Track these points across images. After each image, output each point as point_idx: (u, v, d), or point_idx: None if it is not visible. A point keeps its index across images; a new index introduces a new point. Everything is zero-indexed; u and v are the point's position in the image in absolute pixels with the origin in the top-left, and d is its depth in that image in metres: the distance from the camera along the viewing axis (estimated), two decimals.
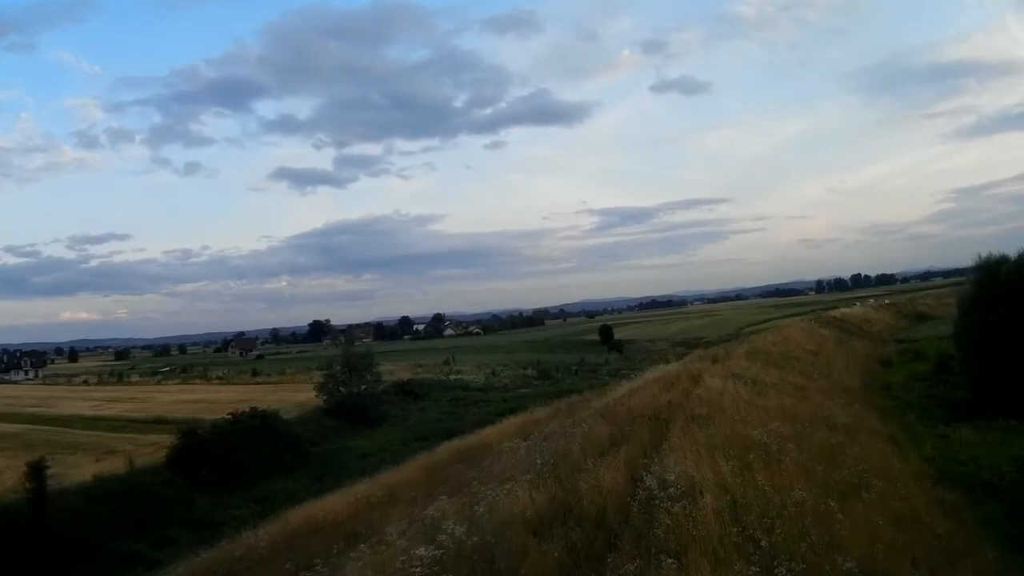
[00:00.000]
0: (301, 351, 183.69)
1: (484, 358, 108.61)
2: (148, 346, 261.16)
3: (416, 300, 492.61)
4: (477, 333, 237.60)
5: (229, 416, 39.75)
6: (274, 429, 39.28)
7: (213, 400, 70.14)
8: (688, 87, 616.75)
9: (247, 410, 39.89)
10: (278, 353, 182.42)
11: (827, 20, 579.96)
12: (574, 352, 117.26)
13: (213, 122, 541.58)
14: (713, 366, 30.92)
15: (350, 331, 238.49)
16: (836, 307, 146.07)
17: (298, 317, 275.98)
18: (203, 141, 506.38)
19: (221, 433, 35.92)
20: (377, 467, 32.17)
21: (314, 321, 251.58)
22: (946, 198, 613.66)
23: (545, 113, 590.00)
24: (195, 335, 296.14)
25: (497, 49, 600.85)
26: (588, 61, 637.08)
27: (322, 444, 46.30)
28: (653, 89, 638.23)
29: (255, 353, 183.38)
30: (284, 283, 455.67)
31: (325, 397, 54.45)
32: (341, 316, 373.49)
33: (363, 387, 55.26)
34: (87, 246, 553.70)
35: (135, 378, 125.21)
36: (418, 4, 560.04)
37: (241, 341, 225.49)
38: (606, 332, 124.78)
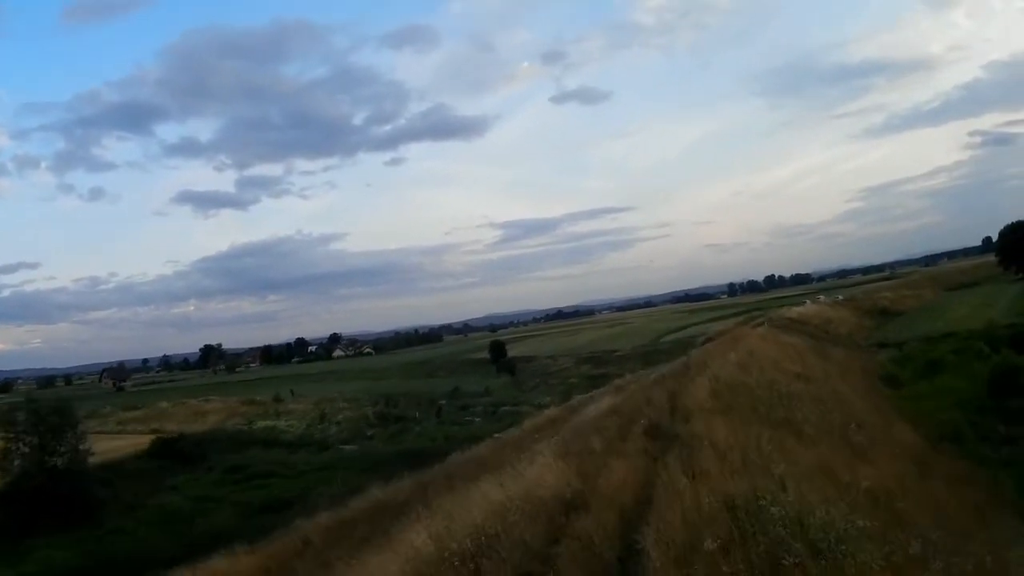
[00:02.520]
0: (173, 379, 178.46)
1: (344, 387, 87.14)
2: (49, 376, 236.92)
3: (322, 320, 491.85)
4: (368, 353, 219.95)
5: None
6: None
7: None
8: (588, 96, 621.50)
9: None
10: (151, 383, 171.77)
11: (728, 24, 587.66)
12: (458, 374, 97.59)
13: (115, 146, 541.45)
14: (665, 470, 10.36)
15: (232, 356, 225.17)
16: (761, 309, 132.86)
17: (207, 341, 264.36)
18: (106, 166, 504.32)
19: None
20: None
21: (205, 346, 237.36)
22: (855, 197, 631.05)
23: (444, 128, 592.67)
24: (107, 363, 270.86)
25: (394, 65, 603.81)
26: (487, 74, 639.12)
27: None
28: (553, 100, 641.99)
29: (128, 383, 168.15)
30: (191, 307, 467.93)
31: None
32: (248, 339, 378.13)
33: (60, 460, 33.74)
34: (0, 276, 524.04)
35: None
36: (314, 21, 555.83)
37: (113, 371, 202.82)
38: (497, 349, 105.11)
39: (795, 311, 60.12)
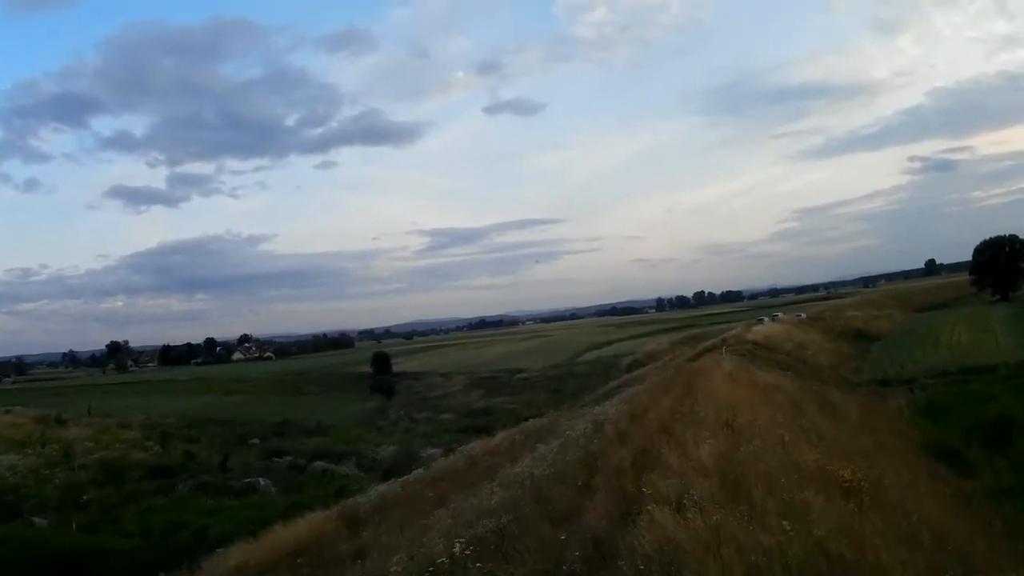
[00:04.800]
0: (55, 377, 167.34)
1: (174, 403, 67.89)
2: None
3: (248, 320, 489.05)
4: (269, 357, 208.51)
5: None
6: None
7: None
8: (522, 108, 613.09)
9: None
10: (33, 380, 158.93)
11: (669, 41, 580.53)
12: (330, 391, 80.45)
13: (52, 137, 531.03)
14: None
15: (137, 355, 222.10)
16: (693, 326, 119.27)
17: (134, 338, 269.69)
18: (42, 157, 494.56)
19: None
20: None
21: (111, 342, 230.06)
22: (790, 217, 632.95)
23: (376, 133, 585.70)
24: (38, 354, 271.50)
25: (329, 68, 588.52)
26: (421, 81, 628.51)
27: None
28: (486, 110, 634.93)
29: (9, 381, 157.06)
30: (120, 303, 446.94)
31: None
32: (175, 336, 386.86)
33: None
34: None
35: None
36: (254, 20, 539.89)
37: None
38: (380, 363, 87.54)
39: (758, 332, 45.27)
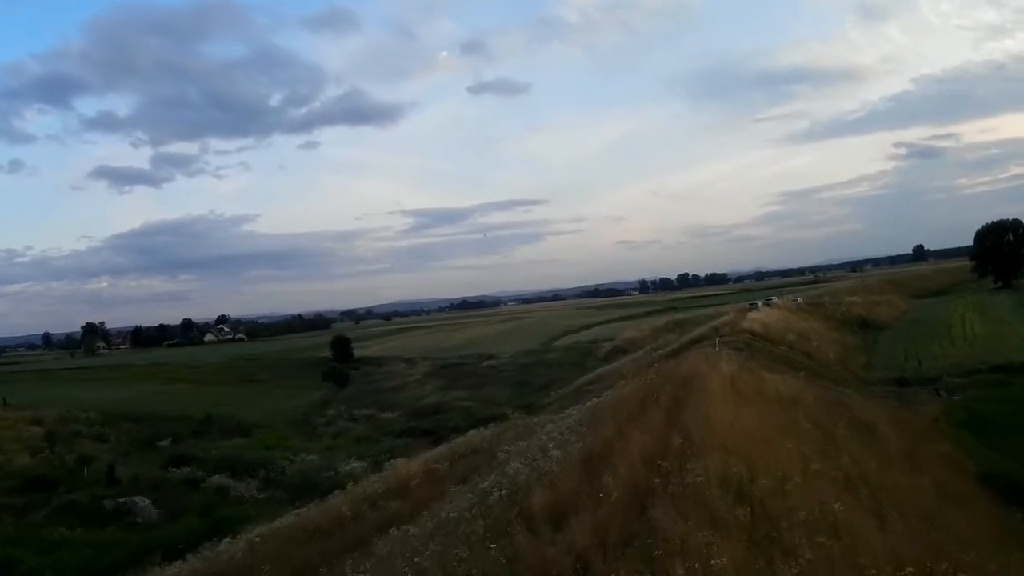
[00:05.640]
0: (18, 360, 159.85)
1: (108, 393, 61.33)
2: None
3: (232, 300, 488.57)
4: (241, 339, 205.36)
5: None
6: None
7: None
8: (506, 88, 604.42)
9: None
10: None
11: (654, 25, 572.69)
12: (283, 378, 74.13)
13: (36, 118, 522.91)
14: None
15: (113, 336, 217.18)
16: (676, 308, 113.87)
17: (118, 319, 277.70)
18: (26, 138, 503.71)
19: None
20: None
21: (86, 324, 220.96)
22: (774, 201, 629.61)
23: (359, 113, 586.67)
24: (23, 336, 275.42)
25: (313, 47, 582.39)
26: (405, 62, 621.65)
27: None
28: (470, 90, 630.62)
29: None
30: (104, 284, 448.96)
31: None
32: (159, 317, 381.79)
33: None
34: None
35: None
36: (237, 0, 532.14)
37: None
38: (339, 347, 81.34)
39: (754, 320, 39.71)
